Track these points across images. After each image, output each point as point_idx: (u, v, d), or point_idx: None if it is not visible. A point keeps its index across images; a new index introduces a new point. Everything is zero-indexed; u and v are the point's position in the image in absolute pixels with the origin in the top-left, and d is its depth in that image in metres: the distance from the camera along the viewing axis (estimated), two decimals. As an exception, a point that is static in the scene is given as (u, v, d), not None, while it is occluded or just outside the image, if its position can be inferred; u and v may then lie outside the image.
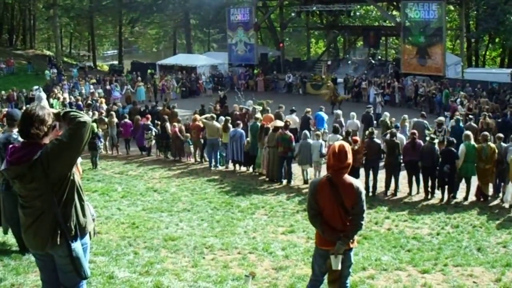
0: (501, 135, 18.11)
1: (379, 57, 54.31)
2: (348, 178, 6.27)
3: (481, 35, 51.21)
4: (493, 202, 16.80)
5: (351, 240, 6.40)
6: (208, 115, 22.54)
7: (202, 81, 46.87)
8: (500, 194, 17.10)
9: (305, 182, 18.94)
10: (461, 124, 22.19)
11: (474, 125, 22.03)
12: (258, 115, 22.97)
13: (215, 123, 21.57)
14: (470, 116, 24.76)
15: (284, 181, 19.13)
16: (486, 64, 59.26)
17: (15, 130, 8.15)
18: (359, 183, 6.32)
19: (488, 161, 16.63)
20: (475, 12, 52.16)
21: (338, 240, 6.28)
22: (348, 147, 6.23)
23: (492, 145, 16.97)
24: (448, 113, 27.48)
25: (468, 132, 17.90)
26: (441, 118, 22.94)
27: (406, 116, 23.15)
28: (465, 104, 30.38)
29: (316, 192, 6.34)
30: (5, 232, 9.68)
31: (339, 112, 24.11)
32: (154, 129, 24.01)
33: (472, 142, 17.11)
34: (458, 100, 31.30)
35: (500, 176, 17.02)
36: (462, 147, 16.90)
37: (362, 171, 17.84)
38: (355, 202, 6.22)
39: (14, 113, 8.95)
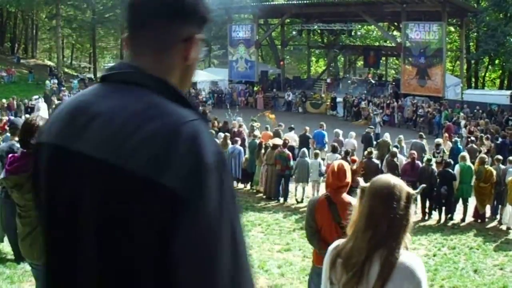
0: (499, 157, 18.15)
1: (381, 74, 54.39)
2: (346, 197, 6.30)
3: (481, 56, 51.15)
4: (490, 224, 16.81)
5: None
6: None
7: (202, 97, 46.80)
8: (498, 216, 17.11)
9: (297, 201, 19.01)
10: (459, 145, 22.20)
11: (475, 147, 22.03)
12: (257, 132, 22.98)
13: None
14: (472, 138, 24.77)
15: (281, 199, 19.12)
16: (485, 85, 59.31)
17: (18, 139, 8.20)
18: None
19: (485, 182, 16.66)
20: (475, 34, 52.23)
21: None
22: (347, 166, 6.30)
23: (489, 167, 17.00)
24: (446, 134, 27.42)
25: (464, 153, 17.94)
26: (439, 140, 22.95)
27: (401, 136, 23.12)
28: (466, 125, 30.48)
29: (315, 210, 6.35)
30: (1, 240, 9.67)
31: (339, 131, 24.10)
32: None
33: (468, 163, 17.14)
34: (462, 122, 31.40)
35: (498, 198, 17.03)
36: (457, 168, 16.95)
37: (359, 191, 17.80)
38: None
39: (17, 122, 9.01)
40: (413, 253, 3.39)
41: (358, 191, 3.39)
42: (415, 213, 17.43)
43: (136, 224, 1.53)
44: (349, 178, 6.29)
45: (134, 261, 1.54)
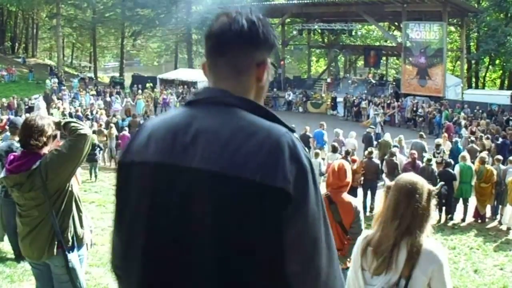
0: (499, 157, 18.15)
1: (382, 74, 54.37)
2: (346, 196, 6.34)
3: (482, 56, 51.18)
4: (491, 224, 16.81)
5: (348, 260, 6.43)
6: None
7: (202, 97, 46.71)
8: (498, 216, 17.11)
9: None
10: (459, 145, 22.19)
11: (476, 147, 22.01)
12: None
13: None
14: (472, 138, 24.76)
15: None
16: (486, 86, 59.31)
17: (17, 139, 8.19)
18: (357, 202, 6.37)
19: (485, 182, 16.67)
20: (476, 34, 52.26)
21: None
22: (347, 166, 6.36)
23: (490, 167, 17.00)
24: (444, 134, 27.38)
25: (465, 153, 17.94)
26: (440, 140, 22.91)
27: (402, 136, 23.09)
28: (466, 125, 30.50)
29: None
30: (1, 239, 9.67)
31: (340, 131, 24.07)
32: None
33: (468, 163, 17.13)
34: (462, 122, 31.39)
35: (498, 198, 17.03)
36: (457, 167, 16.95)
37: (360, 191, 17.83)
38: (353, 221, 6.27)
39: (17, 121, 9.00)
40: (435, 240, 3.85)
41: (384, 188, 3.89)
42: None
43: (252, 221, 1.83)
44: (349, 178, 6.33)
45: (251, 253, 1.85)
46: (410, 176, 3.82)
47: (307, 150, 1.98)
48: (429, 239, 3.63)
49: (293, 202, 1.84)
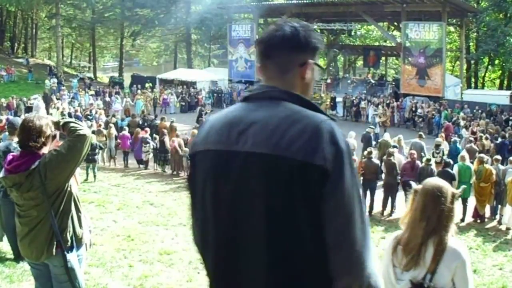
0: (498, 157, 18.16)
1: (382, 74, 54.43)
2: None
3: (481, 56, 51.20)
4: (490, 224, 16.80)
5: None
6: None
7: (201, 96, 46.75)
8: (497, 216, 17.11)
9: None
10: (458, 145, 22.22)
11: (475, 147, 22.03)
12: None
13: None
14: (471, 138, 24.75)
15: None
16: (485, 86, 59.32)
17: (16, 139, 8.20)
18: None
19: (485, 182, 16.68)
20: (475, 34, 52.29)
21: None
22: None
23: (489, 167, 17.01)
24: (443, 133, 27.36)
25: (464, 153, 17.95)
26: (439, 140, 22.88)
27: (401, 136, 23.09)
28: (465, 125, 30.52)
29: None
30: (0, 239, 9.68)
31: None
32: (152, 142, 23.97)
33: (467, 163, 17.15)
34: (462, 122, 31.40)
35: (498, 198, 17.03)
36: (455, 167, 16.98)
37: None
38: None
39: (15, 122, 9.01)
40: (458, 239, 4.42)
41: (411, 191, 4.21)
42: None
43: (296, 194, 2.24)
44: None
45: (296, 221, 2.26)
46: (436, 181, 4.16)
47: (344, 136, 2.34)
48: (453, 238, 4.00)
49: (331, 179, 2.23)
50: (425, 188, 4.06)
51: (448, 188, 4.07)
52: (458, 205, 17.01)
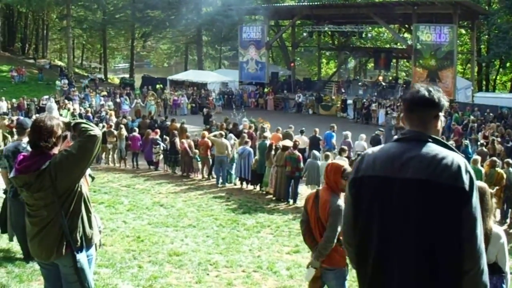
0: (510, 160, 18.04)
1: (396, 77, 54.37)
2: (327, 194, 6.64)
3: (492, 59, 51.06)
4: (500, 228, 16.72)
5: (345, 263, 6.73)
6: (217, 132, 22.51)
7: (212, 98, 46.71)
8: (508, 220, 17.04)
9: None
10: (469, 149, 22.13)
11: (486, 150, 21.94)
12: (267, 133, 22.95)
13: (223, 140, 21.55)
14: (482, 141, 24.65)
15: (291, 201, 19.08)
16: (496, 88, 59.14)
17: (25, 139, 8.22)
18: (336, 201, 6.44)
19: (495, 185, 16.59)
20: (487, 36, 52.15)
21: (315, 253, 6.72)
22: (337, 167, 6.73)
23: (500, 170, 16.94)
24: (453, 138, 27.30)
25: (476, 157, 17.88)
26: (452, 142, 22.78)
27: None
28: (474, 128, 30.39)
29: (306, 202, 6.96)
30: (11, 239, 9.69)
31: (348, 133, 24.06)
32: (162, 143, 23.97)
33: (479, 166, 17.07)
34: (472, 125, 31.28)
35: (508, 202, 16.96)
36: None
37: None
38: (328, 219, 6.54)
39: (24, 122, 9.02)
40: (498, 225, 6.42)
41: None
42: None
43: (445, 208, 3.28)
44: (331, 177, 6.73)
45: (442, 225, 3.29)
46: (479, 183, 4.93)
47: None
48: (495, 225, 5.88)
49: (468, 197, 3.29)
50: None
51: (487, 188, 5.74)
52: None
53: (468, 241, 3.28)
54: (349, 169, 6.75)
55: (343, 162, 7.10)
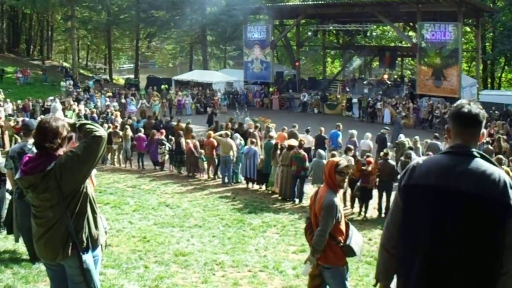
0: (516, 158, 18.02)
1: (402, 75, 54.33)
2: (324, 190, 6.70)
3: (497, 57, 50.99)
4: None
5: (347, 260, 6.84)
6: (222, 132, 22.50)
7: (217, 98, 46.68)
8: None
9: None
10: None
11: (491, 148, 21.88)
12: (273, 133, 22.93)
13: (229, 140, 21.54)
14: (487, 140, 24.61)
15: (297, 200, 19.06)
16: (502, 86, 59.05)
17: (31, 141, 8.24)
18: (329, 198, 6.54)
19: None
20: (492, 34, 52.11)
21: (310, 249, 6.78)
22: (331, 163, 6.86)
23: (506, 168, 16.89)
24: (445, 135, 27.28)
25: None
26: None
27: (417, 137, 23.02)
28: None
29: (310, 199, 7.03)
30: (17, 240, 9.70)
31: (354, 132, 24.03)
32: (167, 144, 23.97)
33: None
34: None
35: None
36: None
37: (375, 192, 17.80)
38: (320, 213, 6.58)
39: (30, 123, 9.04)
40: None
41: None
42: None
43: (493, 221, 3.57)
44: (326, 174, 6.81)
45: (490, 240, 3.59)
46: None
47: None
48: None
49: (510, 210, 3.58)
50: None
51: None
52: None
53: (511, 247, 3.61)
54: (344, 164, 6.80)
55: (340, 159, 7.16)
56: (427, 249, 3.77)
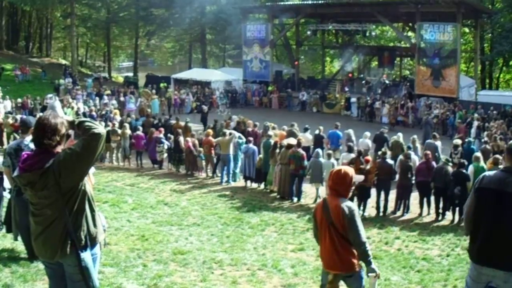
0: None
1: (404, 75, 54.37)
2: (336, 199, 6.52)
3: (496, 57, 50.98)
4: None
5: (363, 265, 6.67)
6: (226, 131, 22.40)
7: (216, 96, 46.61)
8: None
9: (316, 201, 18.81)
10: (472, 146, 22.11)
11: (489, 147, 21.89)
12: (271, 132, 22.92)
13: (227, 138, 21.54)
14: (485, 139, 24.62)
15: (295, 199, 19.08)
16: (500, 87, 59.11)
17: (28, 138, 8.22)
18: (348, 206, 6.43)
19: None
20: (490, 35, 52.11)
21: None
22: (349, 174, 6.61)
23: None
24: (457, 135, 27.33)
25: (478, 154, 17.86)
26: (458, 141, 22.67)
27: (415, 137, 23.03)
28: (480, 126, 30.41)
29: (315, 212, 6.80)
30: (15, 239, 9.69)
31: (351, 131, 24.03)
32: (166, 142, 23.96)
33: (482, 163, 17.05)
34: (475, 123, 31.27)
35: None
36: (470, 168, 16.88)
37: (373, 191, 17.82)
38: (345, 225, 6.40)
39: (27, 120, 9.06)
40: None
41: None
42: (428, 214, 17.51)
43: None
44: (344, 185, 6.58)
45: None
46: None
47: None
48: None
49: None
50: None
51: None
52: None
53: None
54: (360, 179, 6.89)
55: (351, 170, 6.83)
56: (489, 226, 5.44)
